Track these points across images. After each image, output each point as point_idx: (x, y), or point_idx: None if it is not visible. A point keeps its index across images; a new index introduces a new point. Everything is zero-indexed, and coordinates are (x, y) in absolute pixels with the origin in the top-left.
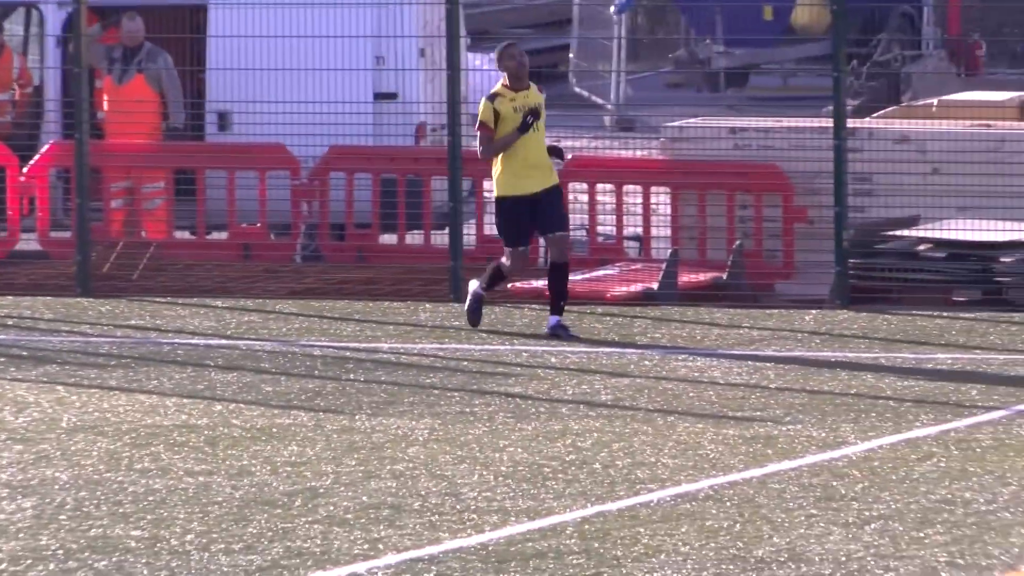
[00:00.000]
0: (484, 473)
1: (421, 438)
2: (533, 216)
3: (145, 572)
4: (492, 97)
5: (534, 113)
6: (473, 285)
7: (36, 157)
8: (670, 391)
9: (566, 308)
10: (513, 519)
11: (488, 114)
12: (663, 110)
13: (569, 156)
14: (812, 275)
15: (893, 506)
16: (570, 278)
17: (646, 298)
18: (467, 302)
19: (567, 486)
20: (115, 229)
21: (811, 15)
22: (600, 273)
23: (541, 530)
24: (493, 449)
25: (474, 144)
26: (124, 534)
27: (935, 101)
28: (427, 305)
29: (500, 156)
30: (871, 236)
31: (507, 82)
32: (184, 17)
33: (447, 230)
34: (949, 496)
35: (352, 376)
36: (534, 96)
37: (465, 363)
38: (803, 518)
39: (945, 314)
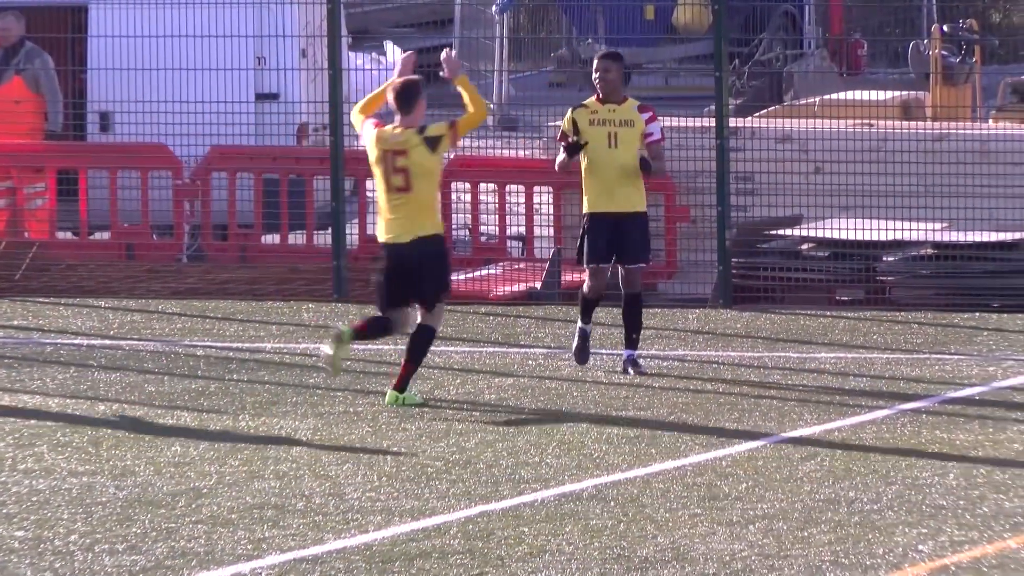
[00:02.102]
0: (368, 473)
1: (305, 438)
2: (612, 238)
3: (28, 573)
4: (576, 107)
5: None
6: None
7: None
8: (554, 390)
9: (452, 309)
10: (397, 519)
11: (566, 125)
12: (545, 109)
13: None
14: (695, 274)
15: (777, 505)
16: (455, 278)
17: (529, 297)
18: (575, 342)
19: (451, 486)
20: None
21: (692, 15)
22: (483, 273)
23: (425, 530)
24: (377, 449)
25: (356, 144)
26: (7, 535)
27: (817, 100)
28: (310, 305)
29: (584, 171)
30: (754, 235)
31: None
32: (65, 17)
33: (329, 230)
34: (833, 495)
35: (235, 376)
36: (624, 112)
37: (348, 363)
38: (687, 517)
39: (828, 313)
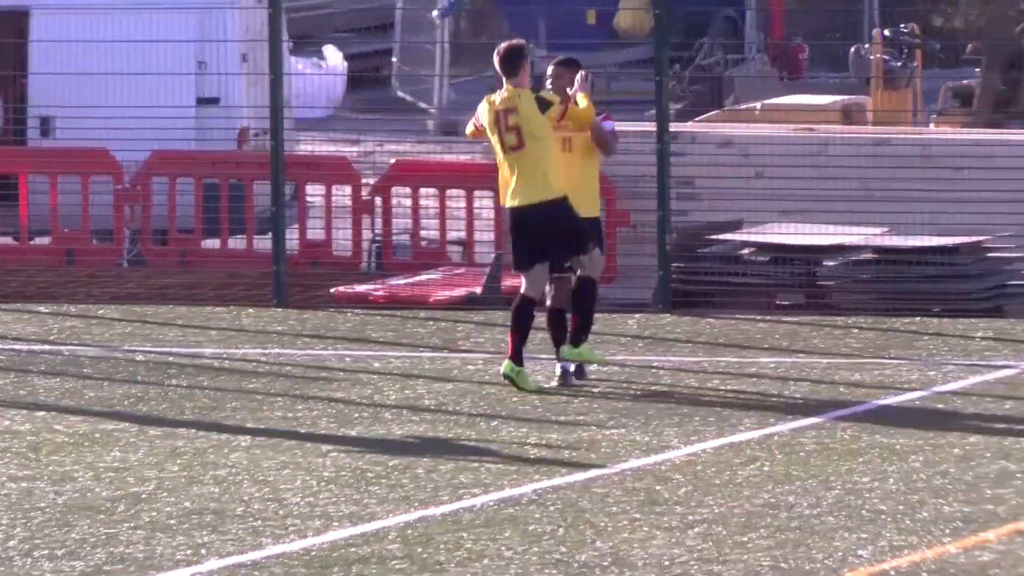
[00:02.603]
0: (307, 478)
1: (244, 443)
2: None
3: None
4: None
5: None
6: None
7: None
8: (493, 396)
9: (392, 314)
10: (336, 524)
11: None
12: None
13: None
14: (635, 279)
15: (716, 510)
16: (394, 283)
17: (469, 302)
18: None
19: (390, 491)
20: None
21: (634, 19)
22: (423, 277)
23: (364, 535)
24: (316, 454)
25: (297, 148)
26: None
27: (758, 105)
28: (250, 310)
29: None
30: (694, 240)
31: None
32: (6, 22)
33: (270, 235)
34: (772, 500)
35: (175, 382)
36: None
37: (288, 368)
38: (626, 522)
39: (768, 318)
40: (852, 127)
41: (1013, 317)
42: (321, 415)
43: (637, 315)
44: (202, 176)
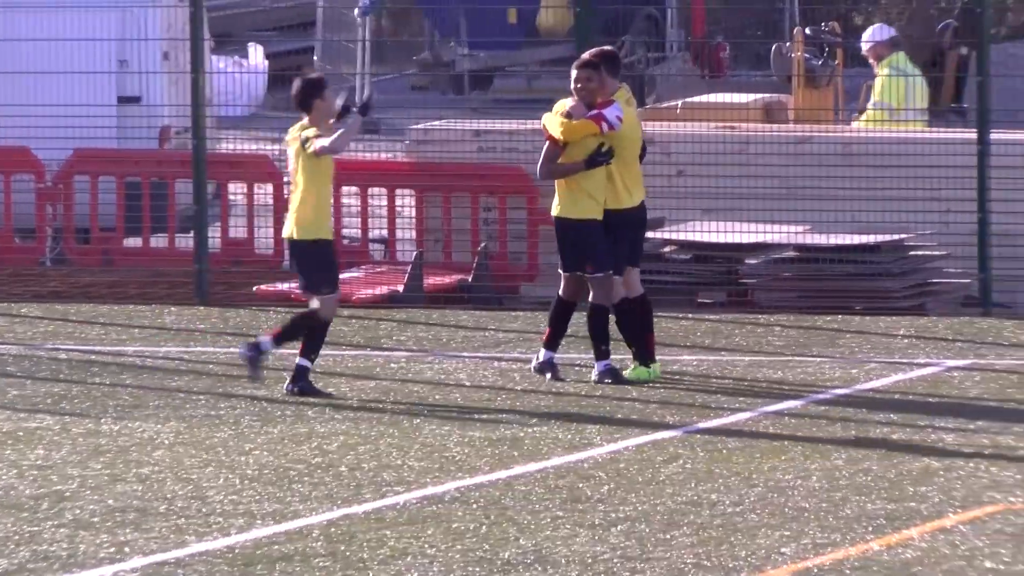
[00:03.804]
0: (230, 476)
1: (167, 441)
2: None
3: None
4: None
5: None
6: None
7: None
8: (416, 393)
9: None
10: (259, 522)
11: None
12: (408, 112)
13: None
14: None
15: (640, 508)
16: None
17: (392, 301)
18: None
19: (313, 489)
20: None
21: (555, 17)
22: (345, 276)
23: (287, 533)
24: (239, 452)
25: (219, 146)
26: None
27: (679, 103)
28: (172, 308)
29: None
30: None
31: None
32: None
33: (192, 233)
34: (695, 498)
35: (98, 380)
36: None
37: (211, 366)
38: (549, 520)
39: (690, 316)
40: (773, 125)
41: (935, 315)
42: (244, 413)
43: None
44: (124, 175)
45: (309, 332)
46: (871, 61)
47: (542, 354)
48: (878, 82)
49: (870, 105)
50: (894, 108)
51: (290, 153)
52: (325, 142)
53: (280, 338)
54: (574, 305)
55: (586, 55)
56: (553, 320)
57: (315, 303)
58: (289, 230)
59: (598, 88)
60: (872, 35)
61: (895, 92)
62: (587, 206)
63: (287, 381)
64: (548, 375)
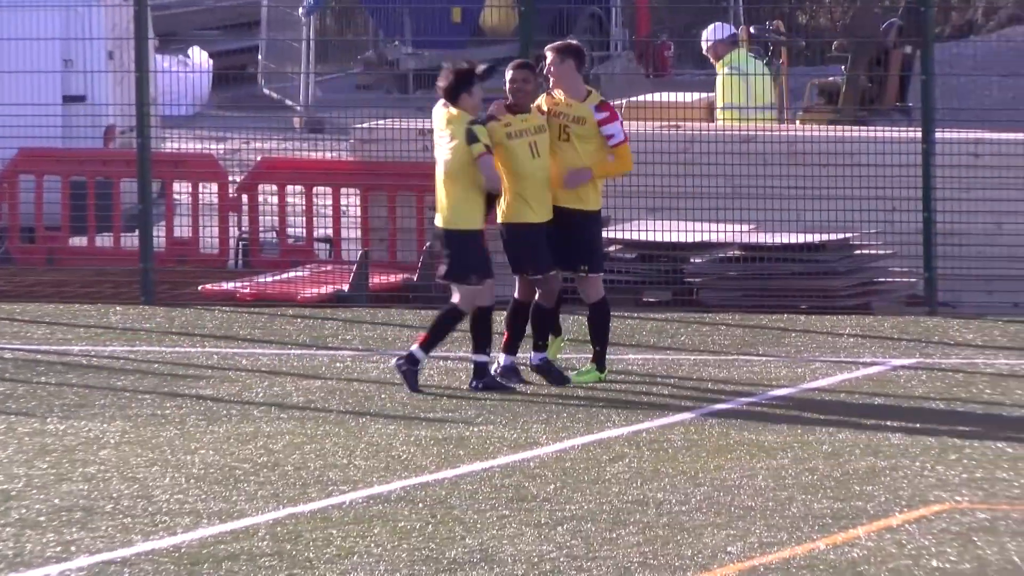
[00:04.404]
0: (176, 475)
1: (113, 440)
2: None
3: None
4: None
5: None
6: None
7: None
8: (362, 392)
9: (260, 311)
10: (205, 521)
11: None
12: (352, 112)
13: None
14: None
15: (585, 507)
16: (261, 280)
17: (337, 300)
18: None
19: (259, 488)
20: None
21: (499, 17)
22: (291, 275)
23: (233, 532)
24: (185, 451)
25: (163, 146)
26: None
27: (624, 102)
28: (118, 308)
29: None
30: None
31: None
32: None
33: (137, 233)
34: (641, 497)
35: (43, 379)
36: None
37: (156, 365)
38: (495, 519)
39: (636, 315)
40: (718, 124)
41: (880, 314)
42: (189, 412)
43: (502, 312)
44: (69, 174)
45: (474, 327)
46: (711, 60)
47: (502, 359)
48: (718, 82)
49: (718, 108)
50: (740, 107)
51: (438, 138)
52: (493, 175)
53: (429, 343)
54: (528, 306)
55: (549, 48)
56: (509, 323)
57: (455, 296)
58: (440, 219)
59: (534, 91)
60: (711, 34)
61: (736, 90)
62: (523, 211)
63: (472, 379)
64: (512, 382)
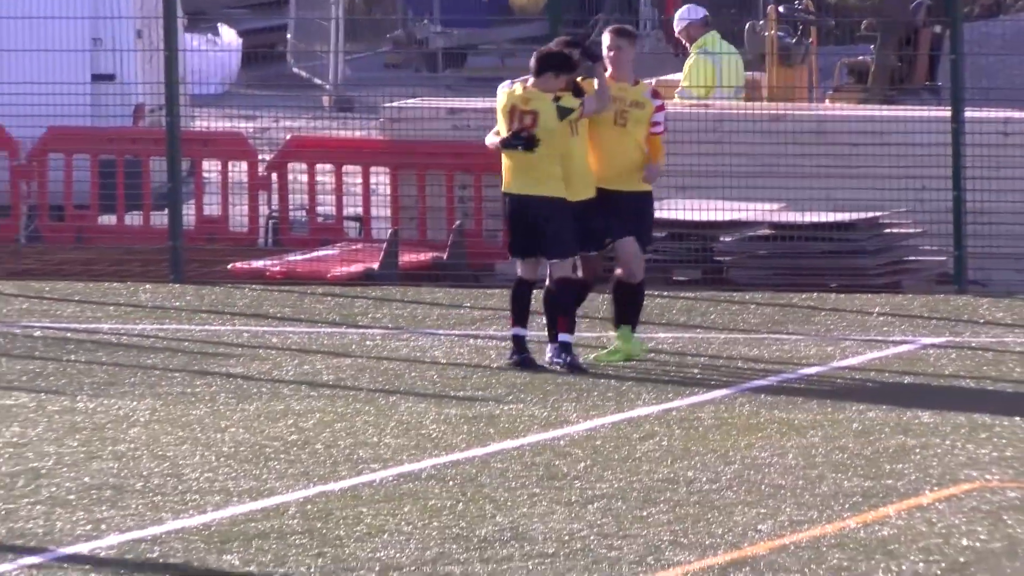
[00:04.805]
0: (206, 453)
1: (143, 419)
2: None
3: None
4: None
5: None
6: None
7: None
8: (392, 371)
9: (290, 290)
10: (235, 499)
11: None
12: (382, 90)
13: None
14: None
15: (616, 485)
16: (291, 259)
17: (367, 278)
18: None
19: (289, 466)
20: None
21: None
22: (321, 253)
23: (263, 510)
24: (215, 430)
25: (192, 124)
26: None
27: (653, 81)
28: (147, 286)
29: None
30: None
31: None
32: None
33: (166, 211)
34: (672, 475)
35: (73, 357)
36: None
37: (186, 343)
38: (526, 497)
39: (666, 293)
40: (747, 103)
41: (910, 293)
42: (219, 390)
43: (535, 291)
44: (98, 152)
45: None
46: (684, 43)
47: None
48: (687, 64)
49: (676, 92)
50: (696, 98)
51: (517, 112)
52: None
53: (567, 327)
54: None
55: (613, 31)
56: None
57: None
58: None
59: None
60: (683, 15)
61: (703, 74)
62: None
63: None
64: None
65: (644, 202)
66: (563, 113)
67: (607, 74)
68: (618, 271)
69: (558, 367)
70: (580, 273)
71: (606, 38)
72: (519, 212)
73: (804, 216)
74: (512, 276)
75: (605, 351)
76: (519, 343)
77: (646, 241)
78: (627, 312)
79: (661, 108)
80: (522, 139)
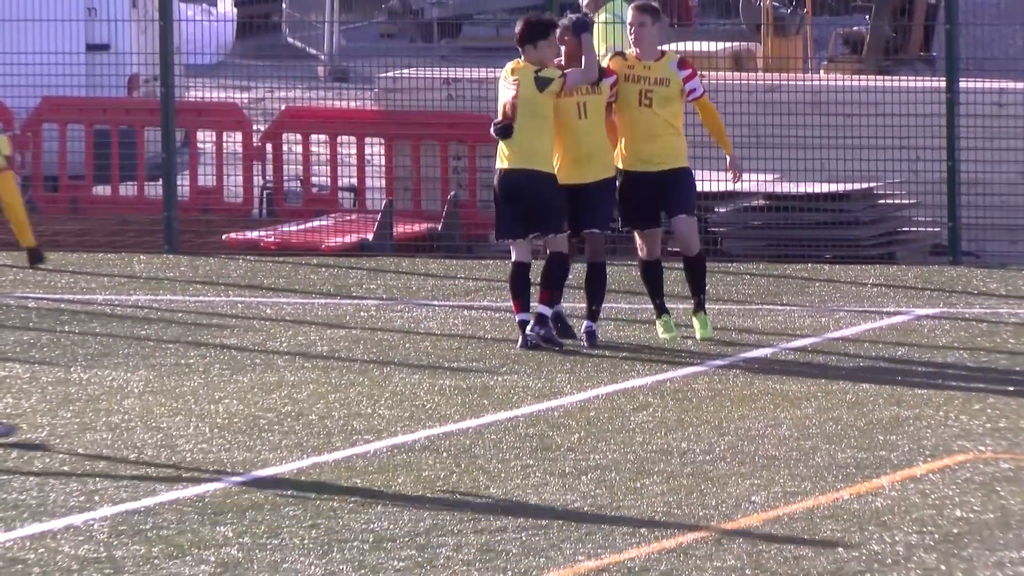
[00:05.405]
0: (200, 425)
1: (136, 390)
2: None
3: None
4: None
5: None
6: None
7: None
8: (386, 342)
9: (284, 260)
10: (229, 471)
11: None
12: (376, 61)
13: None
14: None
15: (610, 456)
16: (285, 229)
17: (361, 249)
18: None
19: (283, 437)
20: None
21: None
22: (315, 224)
23: (257, 481)
24: (209, 401)
25: (187, 95)
26: None
27: (675, 49)
28: (141, 257)
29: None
30: None
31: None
32: None
33: (160, 181)
34: (665, 446)
35: (67, 328)
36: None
37: (180, 314)
38: (520, 468)
39: (661, 265)
40: (742, 74)
41: (904, 264)
42: (213, 361)
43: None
44: (92, 123)
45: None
46: (587, 11)
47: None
48: (597, 31)
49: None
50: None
51: (520, 90)
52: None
53: (551, 299)
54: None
55: (637, 7)
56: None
57: (557, 244)
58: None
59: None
60: None
61: (612, 38)
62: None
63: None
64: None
65: (682, 177)
66: (542, 83)
67: (631, 52)
68: (676, 248)
69: (531, 339)
70: (645, 253)
71: (628, 14)
72: (508, 187)
73: (798, 187)
74: (505, 246)
75: (700, 328)
76: (526, 327)
77: (691, 212)
78: (699, 286)
79: (692, 76)
80: (499, 127)
